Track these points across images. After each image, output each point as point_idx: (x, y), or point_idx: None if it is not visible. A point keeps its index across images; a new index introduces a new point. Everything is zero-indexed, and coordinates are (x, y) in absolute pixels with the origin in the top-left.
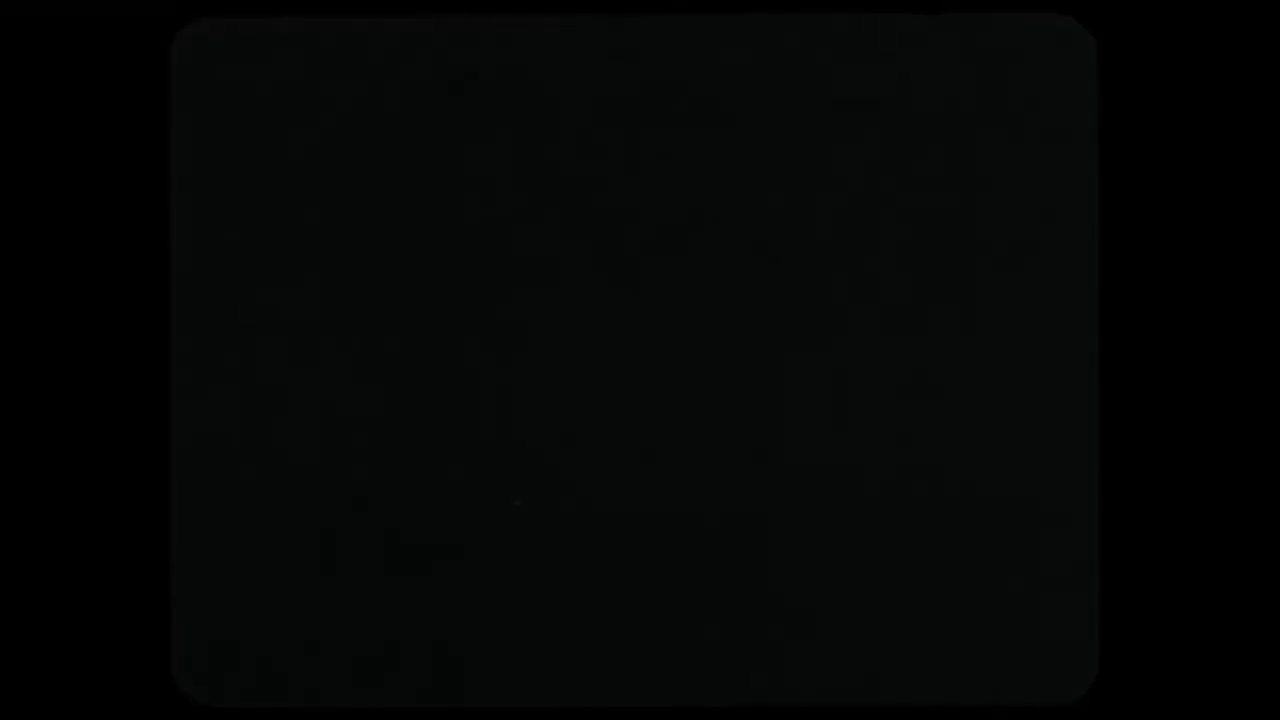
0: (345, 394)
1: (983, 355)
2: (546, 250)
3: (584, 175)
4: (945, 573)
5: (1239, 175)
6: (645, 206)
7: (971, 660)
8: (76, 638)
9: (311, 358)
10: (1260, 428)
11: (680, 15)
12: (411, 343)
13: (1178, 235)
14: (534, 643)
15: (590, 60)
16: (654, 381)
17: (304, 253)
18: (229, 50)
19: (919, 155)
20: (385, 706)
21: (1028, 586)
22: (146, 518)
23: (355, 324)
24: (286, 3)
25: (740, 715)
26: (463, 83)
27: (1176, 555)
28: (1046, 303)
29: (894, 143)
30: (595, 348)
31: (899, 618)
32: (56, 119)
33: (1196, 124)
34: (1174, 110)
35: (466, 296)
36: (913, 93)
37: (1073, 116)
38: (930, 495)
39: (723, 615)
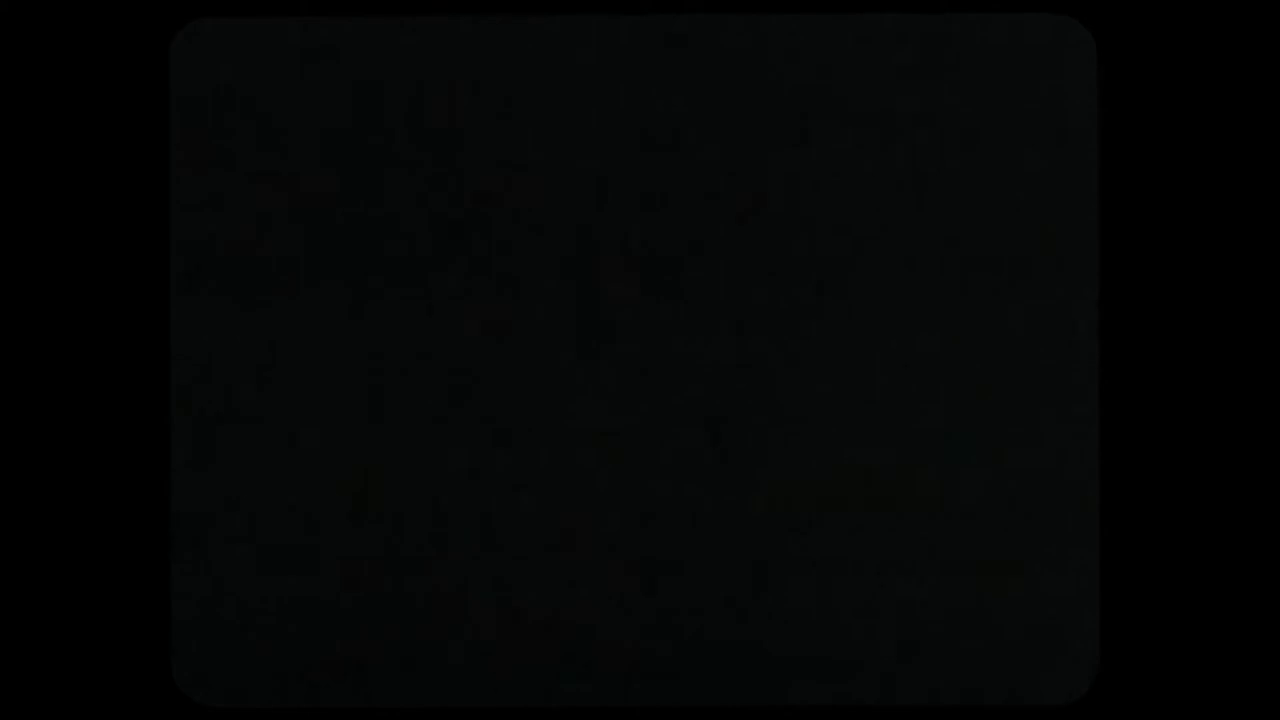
0: (345, 391)
1: (982, 355)
2: (547, 246)
3: (583, 172)
4: (946, 573)
5: (1239, 174)
6: (647, 204)
7: (971, 660)
8: (77, 638)
9: (311, 355)
10: (1260, 428)
11: (681, 15)
12: (411, 340)
13: (1178, 233)
14: (534, 643)
15: (590, 59)
16: (654, 379)
17: (302, 248)
18: (227, 50)
19: (919, 154)
20: (385, 706)
21: (1028, 587)
22: (146, 518)
23: (355, 321)
24: (285, 3)
25: (741, 715)
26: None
27: (1176, 555)
28: (1047, 302)
29: (895, 142)
30: (597, 344)
31: (899, 618)
32: (57, 118)
33: (1196, 123)
34: (1174, 110)
35: (465, 292)
36: (913, 92)
37: (1073, 116)
38: (931, 496)
39: (724, 615)
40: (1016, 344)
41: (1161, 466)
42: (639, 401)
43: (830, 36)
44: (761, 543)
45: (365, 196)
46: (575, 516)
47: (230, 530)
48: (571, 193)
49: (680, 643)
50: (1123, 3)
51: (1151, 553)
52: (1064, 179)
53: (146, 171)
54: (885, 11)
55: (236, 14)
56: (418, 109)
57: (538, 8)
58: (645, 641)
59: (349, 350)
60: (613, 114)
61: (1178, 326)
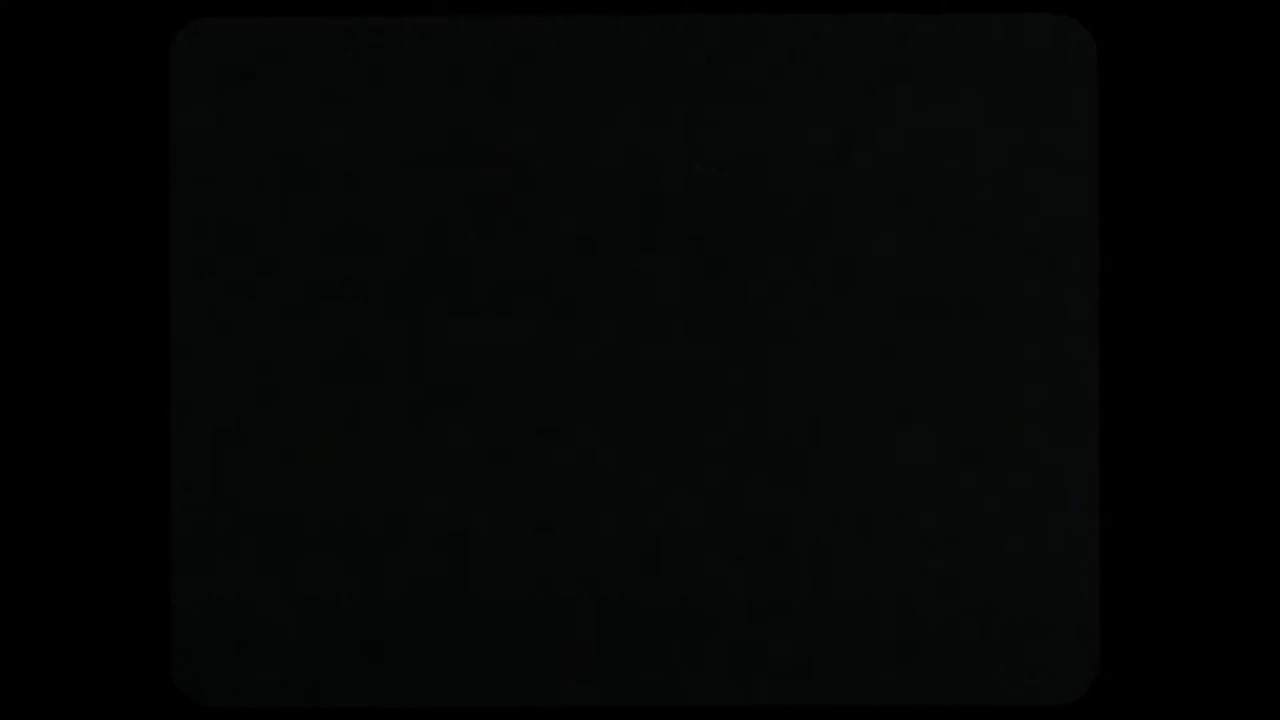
0: (345, 390)
1: (983, 355)
2: (546, 245)
3: (580, 171)
4: (946, 573)
5: (1239, 175)
6: (646, 203)
7: (971, 660)
8: (77, 638)
9: (311, 354)
10: (1260, 428)
11: (679, 15)
12: (410, 339)
13: (1178, 234)
14: (534, 643)
15: (588, 58)
16: (653, 382)
17: (302, 250)
18: (227, 49)
19: (919, 155)
20: (385, 706)
21: (1028, 586)
22: (146, 518)
23: (354, 320)
24: (284, 3)
25: (741, 715)
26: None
27: (1176, 555)
28: (1047, 302)
29: (894, 142)
30: (596, 344)
31: (899, 618)
32: (57, 118)
33: (1196, 124)
34: (1174, 110)
35: (464, 291)
36: (913, 92)
37: (1073, 116)
38: (931, 496)
39: (724, 615)
40: (1016, 344)
41: (1161, 466)
42: (636, 400)
43: (830, 36)
44: (759, 542)
45: (366, 196)
46: (576, 518)
47: (230, 530)
48: (571, 192)
49: (678, 642)
50: (1123, 3)
51: (1151, 553)
52: (1064, 179)
53: (146, 172)
54: (885, 11)
55: (236, 14)
56: (419, 109)
57: (538, 8)
58: (644, 641)
59: (352, 351)
60: (611, 114)
61: (1178, 326)
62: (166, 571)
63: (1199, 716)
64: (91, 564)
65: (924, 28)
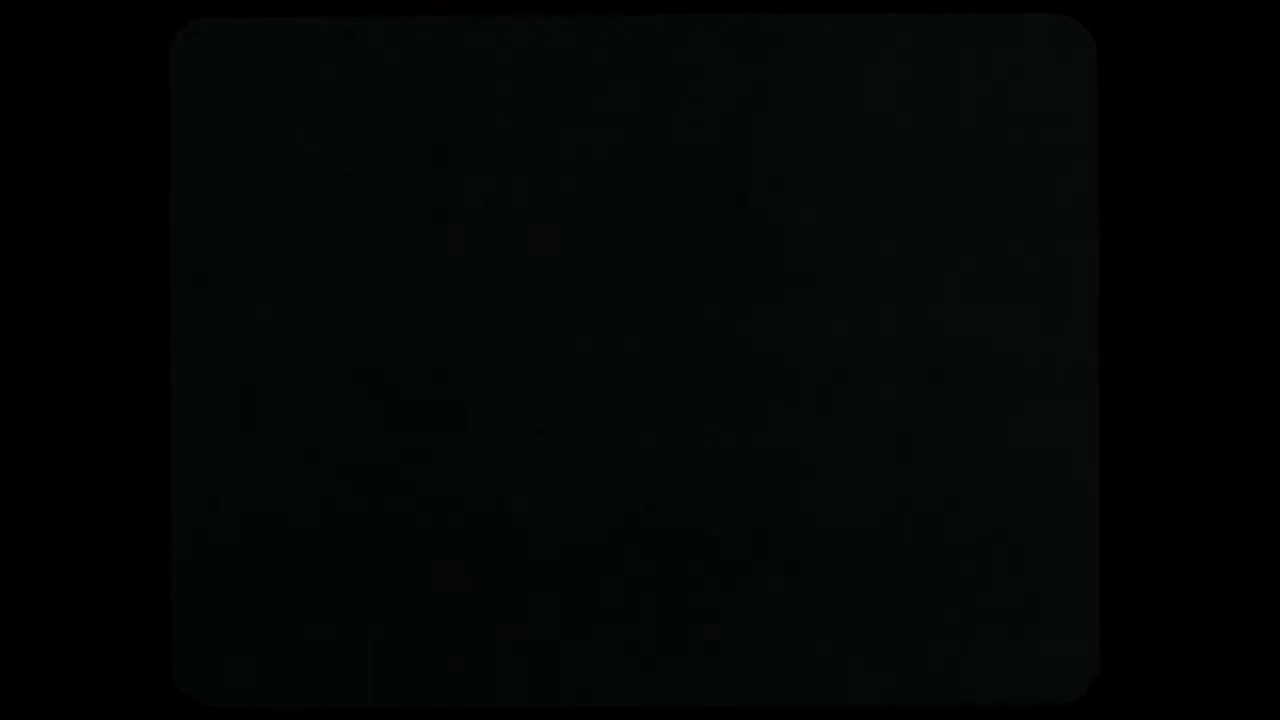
0: (343, 390)
1: (982, 355)
2: (544, 245)
3: (579, 169)
4: (946, 573)
5: (1238, 174)
6: (643, 203)
7: (971, 660)
8: (76, 638)
9: (310, 354)
10: (1260, 428)
11: (681, 16)
12: (410, 339)
13: (1178, 234)
14: (534, 643)
15: (588, 58)
16: (653, 382)
17: (302, 249)
18: (227, 49)
19: (919, 154)
20: (385, 706)
21: (1028, 586)
22: (146, 518)
23: (354, 320)
24: (284, 3)
25: (741, 715)
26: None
27: (1176, 555)
28: (1047, 302)
29: (894, 142)
30: (594, 343)
31: (899, 618)
32: (57, 118)
33: (1196, 124)
34: (1174, 110)
35: (463, 291)
36: (913, 92)
37: (1073, 116)
38: (931, 496)
39: (725, 615)
40: (1016, 344)
41: (1161, 465)
42: (635, 400)
43: (830, 36)
44: (761, 543)
45: (366, 195)
46: (577, 516)
47: (230, 530)
48: (570, 193)
49: (676, 643)
50: (1123, 3)
51: (1151, 553)
52: (1064, 179)
53: (146, 171)
54: (885, 11)
55: (236, 14)
56: (419, 109)
57: (539, 8)
58: (645, 641)
59: (350, 350)
60: (611, 114)
61: (1178, 327)
62: (166, 571)
63: (1199, 716)
64: (91, 564)
65: (924, 28)
